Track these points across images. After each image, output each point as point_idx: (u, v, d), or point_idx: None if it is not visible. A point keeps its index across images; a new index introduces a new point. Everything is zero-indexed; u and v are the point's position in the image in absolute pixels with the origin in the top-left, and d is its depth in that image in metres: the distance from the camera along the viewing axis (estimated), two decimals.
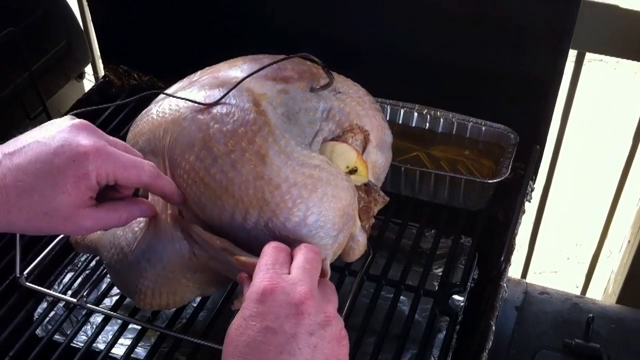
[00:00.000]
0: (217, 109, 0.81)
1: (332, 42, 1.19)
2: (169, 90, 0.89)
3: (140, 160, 0.76)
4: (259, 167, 0.77)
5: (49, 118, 1.33)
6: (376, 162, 0.92)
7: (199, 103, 0.82)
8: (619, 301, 1.65)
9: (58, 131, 0.71)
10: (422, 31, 1.21)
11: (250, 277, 0.73)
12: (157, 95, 0.90)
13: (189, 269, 0.87)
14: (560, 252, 2.51)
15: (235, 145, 0.78)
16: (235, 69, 0.86)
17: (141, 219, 0.89)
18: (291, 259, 0.73)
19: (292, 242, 0.78)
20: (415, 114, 1.23)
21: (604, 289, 1.86)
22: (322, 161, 0.81)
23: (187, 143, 0.80)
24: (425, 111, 1.23)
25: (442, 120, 1.23)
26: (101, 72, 1.54)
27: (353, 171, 0.87)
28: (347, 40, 1.24)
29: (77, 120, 0.73)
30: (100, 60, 1.57)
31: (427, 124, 1.24)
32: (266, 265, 0.70)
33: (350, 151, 0.87)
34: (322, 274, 0.74)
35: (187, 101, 0.83)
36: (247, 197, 0.77)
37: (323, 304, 0.69)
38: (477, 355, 0.92)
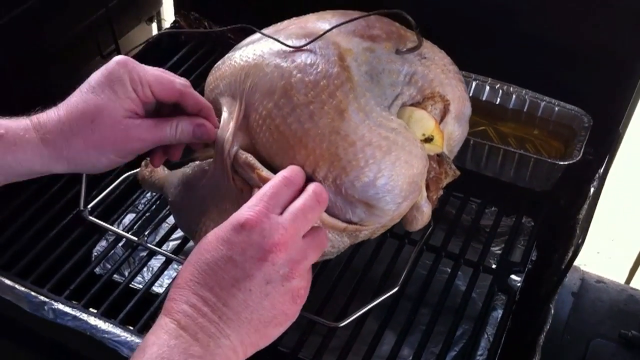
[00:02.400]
0: (301, 59, 0.80)
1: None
2: (255, 36, 0.88)
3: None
4: (337, 121, 0.76)
5: None
6: (452, 133, 0.90)
7: (285, 45, 0.81)
8: None
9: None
10: (501, 2, 1.18)
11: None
12: (249, 30, 0.89)
13: None
14: (591, 245, 2.44)
15: (316, 96, 0.77)
16: (323, 22, 0.85)
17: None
18: (296, 196, 0.72)
19: (356, 202, 0.78)
20: (487, 87, 1.20)
21: None
22: (399, 125, 0.80)
23: (268, 89, 0.80)
24: (498, 85, 1.20)
25: (514, 96, 1.20)
26: (170, 17, 1.52)
27: (428, 140, 0.85)
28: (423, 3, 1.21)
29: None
30: (171, 7, 1.56)
31: (498, 99, 1.21)
32: (262, 196, 0.70)
33: (429, 119, 0.85)
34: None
35: (271, 48, 0.83)
36: (320, 150, 0.76)
37: (296, 258, 0.68)
38: (535, 338, 0.91)
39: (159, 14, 1.66)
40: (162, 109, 0.82)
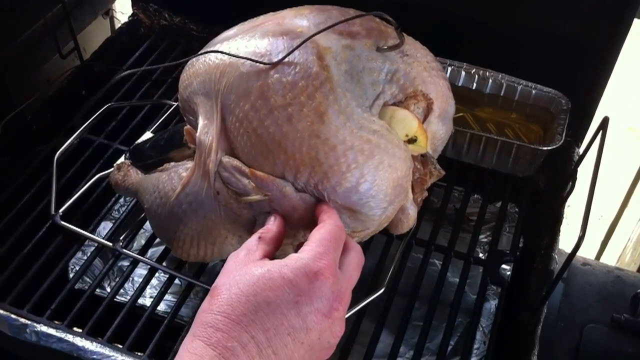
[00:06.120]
0: (278, 57, 0.76)
1: None
2: (230, 31, 0.84)
3: None
4: (316, 124, 0.73)
5: (80, 56, 1.28)
6: (436, 132, 0.87)
7: (260, 62, 0.77)
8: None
9: None
10: None
11: (278, 213, 0.74)
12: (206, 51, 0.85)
13: (228, 218, 0.82)
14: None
15: (294, 98, 0.73)
16: (301, 19, 0.81)
17: (189, 164, 0.85)
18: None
19: (340, 207, 0.75)
20: (463, 72, 1.18)
21: (617, 257, 1.84)
22: (381, 127, 0.76)
23: (244, 90, 0.76)
24: (474, 70, 1.18)
25: (490, 81, 1.18)
26: (127, 10, 1.47)
27: (412, 140, 0.82)
28: None
29: None
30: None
31: (475, 84, 1.18)
32: (327, 243, 0.67)
33: (412, 119, 0.81)
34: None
35: (247, 46, 0.79)
36: (300, 154, 0.73)
37: (342, 325, 0.66)
38: (533, 328, 0.90)
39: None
40: None
